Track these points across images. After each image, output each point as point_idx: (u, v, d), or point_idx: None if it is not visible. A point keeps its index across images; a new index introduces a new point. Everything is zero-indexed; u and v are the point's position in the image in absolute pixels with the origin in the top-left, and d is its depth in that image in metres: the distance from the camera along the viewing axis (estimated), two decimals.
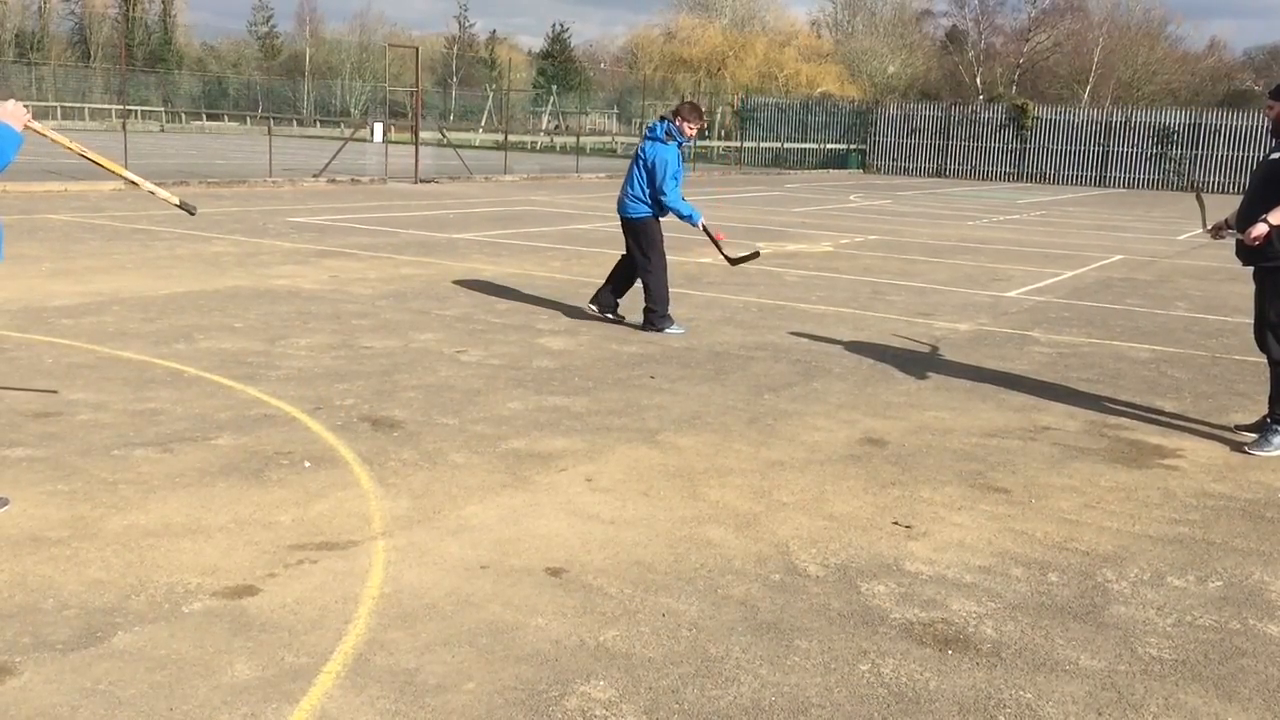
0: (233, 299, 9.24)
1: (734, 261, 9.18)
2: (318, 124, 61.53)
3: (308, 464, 5.04)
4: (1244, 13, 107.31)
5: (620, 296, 9.00)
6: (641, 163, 8.69)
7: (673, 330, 8.61)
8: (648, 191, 8.67)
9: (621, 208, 8.85)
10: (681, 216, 8.77)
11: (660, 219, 8.79)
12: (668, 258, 8.98)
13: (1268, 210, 5.71)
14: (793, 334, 8.76)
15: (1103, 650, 3.55)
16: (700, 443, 5.68)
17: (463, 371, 7.02)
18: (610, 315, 8.94)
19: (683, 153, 8.88)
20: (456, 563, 4.01)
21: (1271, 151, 5.96)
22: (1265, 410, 6.10)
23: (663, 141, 8.62)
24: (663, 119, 8.87)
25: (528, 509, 4.60)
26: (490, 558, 4.07)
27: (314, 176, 24.16)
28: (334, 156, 26.28)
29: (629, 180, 8.78)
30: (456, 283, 10.65)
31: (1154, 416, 6.61)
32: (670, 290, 8.89)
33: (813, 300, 10.55)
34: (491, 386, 6.65)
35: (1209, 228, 6.39)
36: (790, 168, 44.50)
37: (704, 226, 8.95)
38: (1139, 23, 67.40)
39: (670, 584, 3.91)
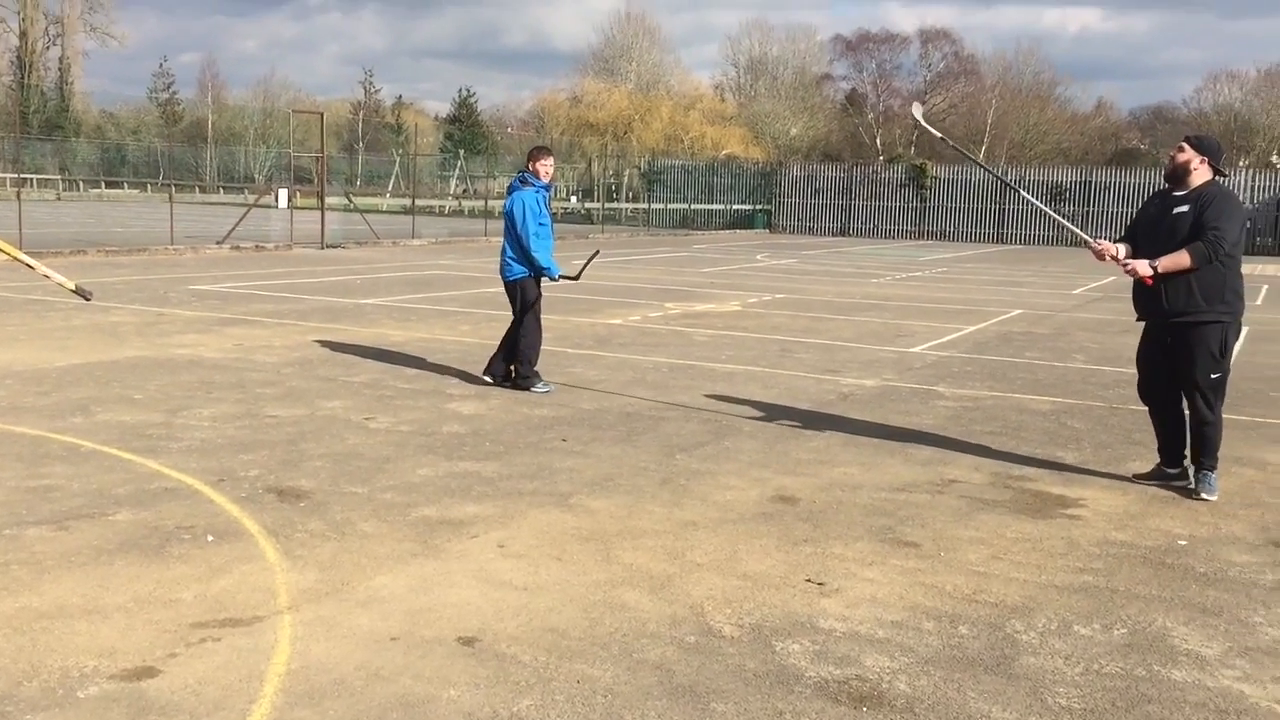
0: (132, 370, 9.00)
1: (577, 276, 9.14)
2: (221, 190, 60.67)
3: (210, 538, 4.89)
4: (1128, 75, 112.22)
5: (512, 363, 8.94)
6: (508, 219, 8.75)
7: (540, 389, 8.61)
8: (520, 250, 8.70)
9: (500, 271, 8.89)
10: (539, 267, 8.68)
11: (539, 279, 8.78)
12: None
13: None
14: (703, 393, 8.81)
15: (1014, 702, 3.59)
16: (613, 505, 5.66)
17: (371, 439, 6.91)
18: (506, 383, 8.88)
19: (547, 197, 8.85)
20: (366, 635, 3.92)
21: (1175, 205, 6.03)
22: (1165, 457, 6.32)
23: (519, 189, 8.69)
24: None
25: (439, 578, 4.52)
26: (401, 629, 3.99)
27: (217, 243, 23.78)
28: (238, 223, 25.92)
29: (504, 243, 8.82)
30: (364, 349, 10.53)
31: (1056, 467, 6.76)
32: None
33: (722, 359, 10.64)
34: (401, 453, 6.56)
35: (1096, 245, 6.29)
36: (698, 228, 45.07)
37: (563, 276, 8.86)
38: (1029, 85, 70.08)
39: (585, 650, 3.87)
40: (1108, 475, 6.56)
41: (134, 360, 9.46)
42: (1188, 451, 6.25)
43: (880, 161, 53.85)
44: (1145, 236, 6.15)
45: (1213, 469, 6.14)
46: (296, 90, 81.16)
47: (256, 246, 24.17)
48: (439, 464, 6.34)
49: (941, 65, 72.28)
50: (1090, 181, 42.66)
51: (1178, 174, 6.11)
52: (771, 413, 8.14)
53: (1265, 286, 22.99)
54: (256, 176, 63.00)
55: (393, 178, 57.49)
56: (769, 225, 47.14)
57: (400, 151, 59.07)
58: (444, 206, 52.72)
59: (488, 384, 8.81)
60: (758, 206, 47.85)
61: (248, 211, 28.54)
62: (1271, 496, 6.21)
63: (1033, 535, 5.38)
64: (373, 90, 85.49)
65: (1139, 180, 42.03)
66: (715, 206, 48.03)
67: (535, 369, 8.79)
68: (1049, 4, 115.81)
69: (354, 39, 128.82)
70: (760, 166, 50.61)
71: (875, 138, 69.92)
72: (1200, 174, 6.05)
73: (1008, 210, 43.54)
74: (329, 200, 28.53)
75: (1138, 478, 6.45)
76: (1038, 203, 7.20)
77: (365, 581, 4.44)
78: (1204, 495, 6.07)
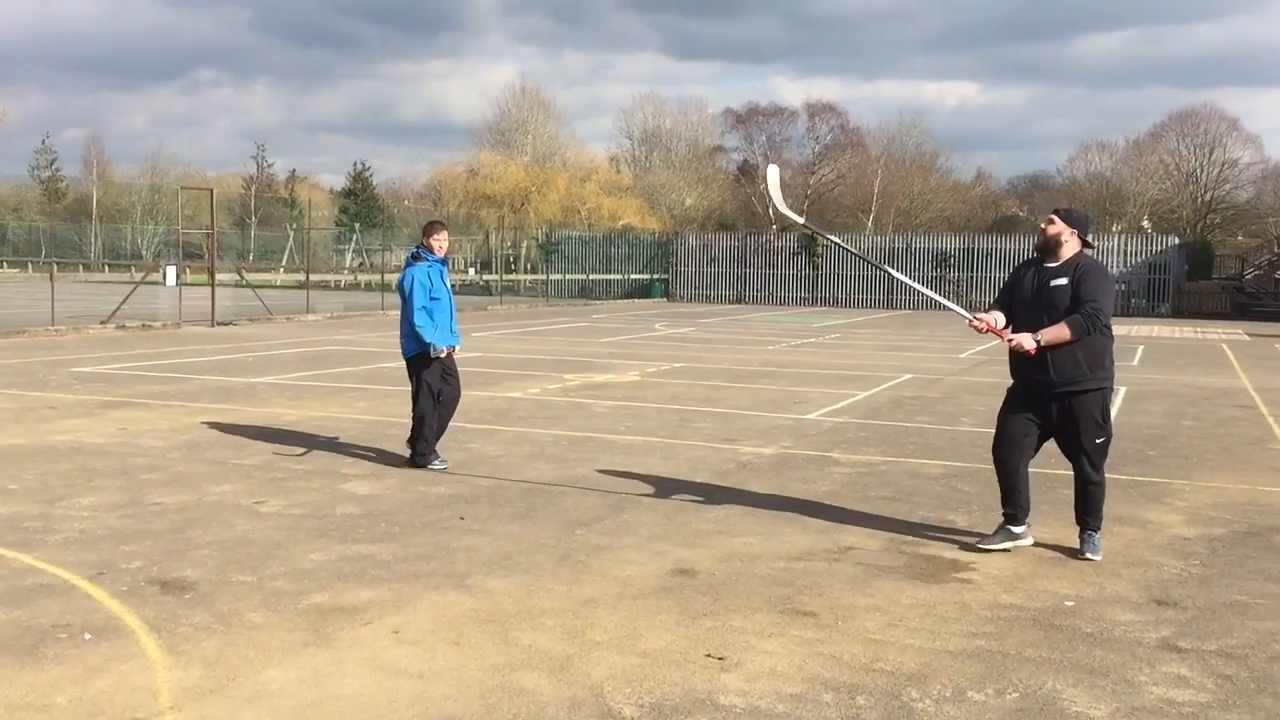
0: (7, 459, 8.65)
1: (438, 353, 9.06)
2: (106, 268, 59.12)
3: (88, 636, 4.69)
4: (1005, 145, 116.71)
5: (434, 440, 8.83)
6: (400, 295, 8.72)
7: (436, 465, 8.52)
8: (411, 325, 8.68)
9: (401, 348, 8.82)
10: (422, 341, 8.60)
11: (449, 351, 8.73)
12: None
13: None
14: (603, 466, 8.80)
15: None
16: (511, 584, 5.58)
17: (262, 524, 6.73)
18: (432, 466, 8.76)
19: (443, 271, 8.80)
20: None
21: (1051, 277, 6.17)
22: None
23: (412, 264, 8.68)
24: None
25: (331, 668, 4.40)
26: None
27: (102, 323, 23.13)
28: (123, 301, 25.27)
29: (401, 319, 8.78)
30: (255, 429, 10.29)
31: (948, 531, 6.88)
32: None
33: (621, 431, 10.65)
34: (292, 538, 6.40)
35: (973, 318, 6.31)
36: (597, 298, 45.31)
37: (433, 347, 8.68)
38: (912, 156, 72.42)
39: None
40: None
41: (9, 449, 9.10)
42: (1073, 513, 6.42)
43: (773, 230, 54.90)
44: (1021, 307, 6.27)
45: (1097, 529, 6.32)
46: (186, 165, 79.98)
47: (143, 325, 23.57)
48: (332, 548, 6.20)
49: (829, 137, 74.19)
50: (973, 248, 44.11)
51: (1049, 246, 6.26)
52: (671, 484, 8.15)
53: (1141, 347, 23.91)
54: (144, 253, 61.64)
55: (287, 252, 56.81)
56: (667, 294, 47.62)
57: (294, 225, 58.45)
58: (340, 281, 52.17)
59: (437, 468, 8.62)
60: (655, 276, 48.35)
61: (134, 289, 27.85)
62: (1153, 555, 6.40)
63: (927, 600, 5.46)
64: (265, 164, 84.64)
65: (1019, 246, 43.55)
66: (613, 276, 48.40)
67: (433, 446, 8.70)
68: (928, 79, 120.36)
69: (246, 113, 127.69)
70: (657, 236, 51.26)
71: (768, 207, 71.28)
72: (1070, 246, 6.25)
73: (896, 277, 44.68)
74: (220, 276, 28.01)
75: (982, 545, 6.38)
76: (909, 281, 7.31)
77: (253, 676, 4.30)
78: (1089, 555, 6.23)
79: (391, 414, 11.34)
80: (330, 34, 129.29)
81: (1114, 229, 56.39)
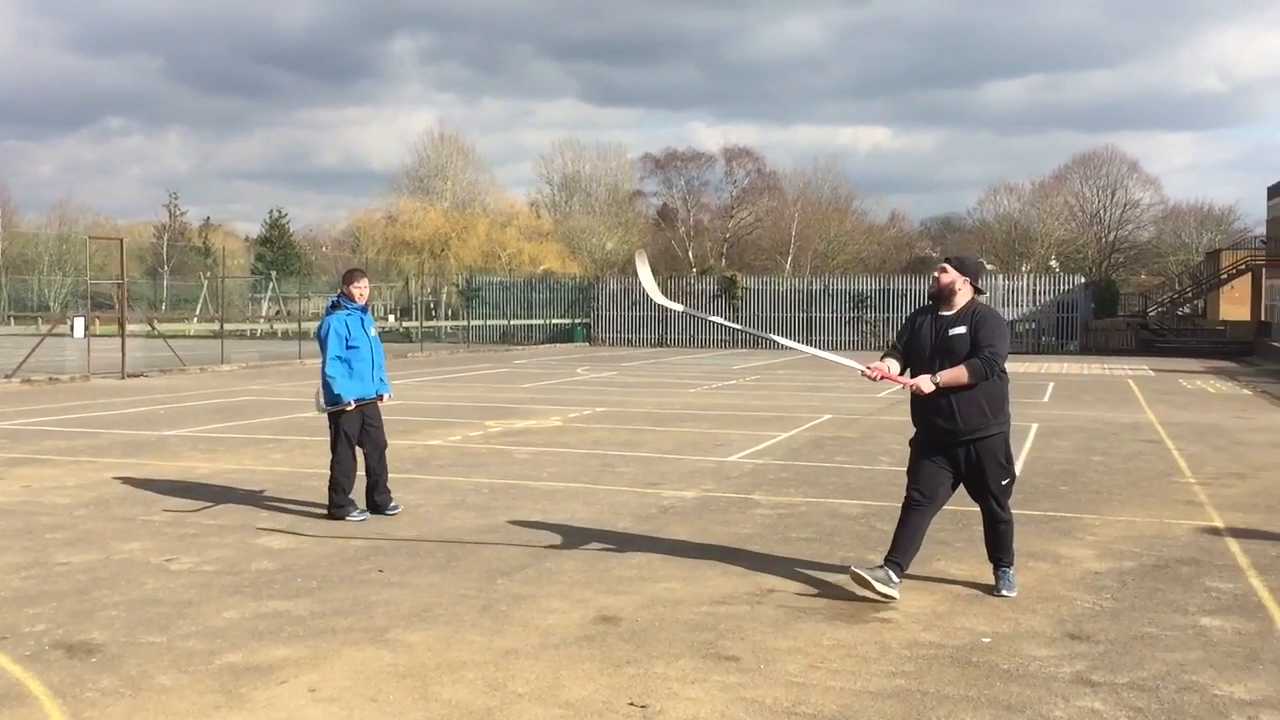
0: None
1: (324, 409, 8.93)
2: (12, 321, 57.45)
3: None
4: (917, 188, 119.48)
5: (379, 490, 8.72)
6: (319, 345, 8.65)
7: (353, 517, 8.42)
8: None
9: (322, 397, 8.72)
10: (329, 391, 8.54)
11: (361, 403, 8.63)
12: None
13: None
14: (525, 514, 8.74)
15: None
16: (431, 637, 5.51)
17: (172, 582, 6.56)
18: (385, 511, 8.63)
19: (363, 319, 8.72)
20: None
21: (949, 325, 6.22)
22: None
23: (331, 312, 8.62)
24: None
25: None
26: None
27: (6, 377, 22.45)
28: (29, 354, 24.56)
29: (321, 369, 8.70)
30: (167, 484, 10.05)
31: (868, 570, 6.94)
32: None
33: (543, 477, 10.60)
34: (205, 596, 6.24)
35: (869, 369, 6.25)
36: (518, 343, 45.19)
37: (339, 398, 8.56)
38: (828, 199, 73.78)
39: None
40: (915, 576, 6.76)
41: None
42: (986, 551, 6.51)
43: (694, 273, 55.42)
44: (920, 356, 6.29)
45: (1010, 564, 6.44)
46: (96, 214, 78.32)
47: (50, 379, 22.93)
48: (246, 605, 6.06)
49: (746, 181, 75.34)
50: (889, 289, 44.94)
51: (944, 295, 6.31)
52: (593, 530, 8.13)
53: (1051, 384, 24.49)
54: (52, 305, 60.07)
55: (201, 301, 55.81)
56: (589, 338, 47.67)
57: (208, 274, 57.47)
58: (256, 329, 51.33)
59: (356, 519, 8.46)
60: (577, 320, 48.41)
61: (40, 341, 27.08)
62: (1066, 589, 6.53)
63: (848, 641, 5.50)
64: (178, 213, 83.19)
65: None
66: (535, 321, 48.35)
67: (350, 497, 8.58)
68: (842, 124, 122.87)
69: (158, 161, 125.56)
70: (578, 281, 51.37)
71: (688, 250, 72.00)
72: (964, 294, 6.34)
73: (815, 318, 45.31)
74: (131, 327, 27.41)
75: (855, 568, 6.30)
76: (795, 345, 7.25)
77: None
78: (1004, 592, 6.33)
79: (309, 465, 11.15)
80: (244, 82, 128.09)
81: (1023, 269, 57.85)
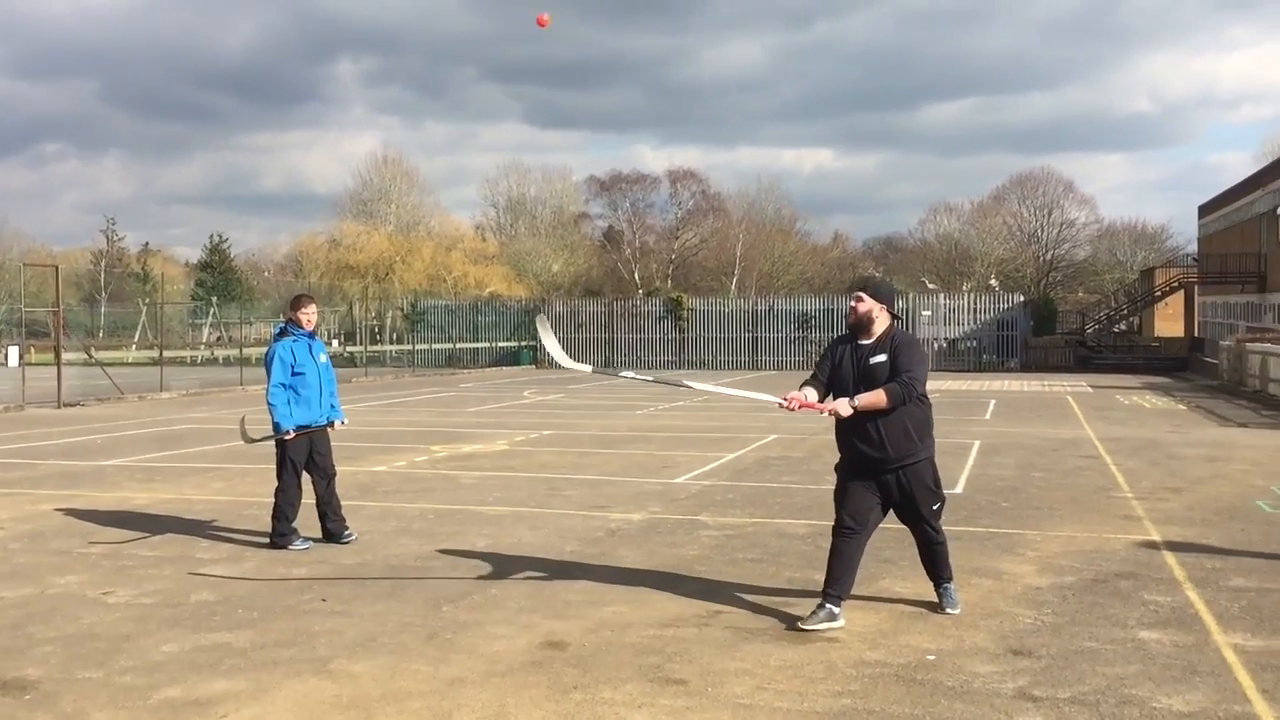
0: None
1: (249, 440, 8.89)
2: None
3: None
4: (859, 209, 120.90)
5: (330, 519, 8.60)
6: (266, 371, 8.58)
7: (297, 546, 8.32)
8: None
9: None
10: (272, 416, 8.46)
11: (305, 431, 8.53)
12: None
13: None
14: (471, 539, 8.68)
15: None
16: (375, 667, 5.45)
17: (109, 615, 6.43)
18: (341, 539, 8.52)
19: (310, 345, 8.64)
20: None
21: (869, 354, 6.15)
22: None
23: (278, 339, 8.55)
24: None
25: None
26: None
27: None
28: None
29: None
30: (104, 515, 9.86)
31: (814, 590, 6.97)
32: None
33: (490, 502, 10.54)
34: (143, 629, 6.13)
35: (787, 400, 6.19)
36: (464, 367, 44.95)
37: (277, 427, 8.47)
38: (772, 220, 74.32)
39: None
40: (861, 595, 6.80)
41: None
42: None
43: (639, 295, 55.55)
44: (843, 387, 6.19)
45: (950, 579, 6.50)
46: (31, 240, 76.84)
47: None
48: (186, 638, 5.96)
49: (691, 203, 75.77)
50: (833, 309, 45.29)
51: (862, 324, 6.24)
52: (540, 555, 8.09)
53: (993, 401, 24.83)
54: None
55: (139, 328, 54.90)
56: (535, 361, 47.54)
57: (147, 300, 56.58)
58: (196, 356, 50.60)
59: (299, 549, 8.33)
60: (523, 343, 48.27)
61: None
62: (1008, 605, 6.61)
63: (795, 661, 5.52)
64: (116, 238, 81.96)
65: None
66: (480, 344, 48.15)
67: (293, 525, 8.47)
68: (785, 146, 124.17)
69: (95, 186, 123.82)
70: (524, 303, 51.27)
71: (634, 272, 72.18)
72: (882, 320, 6.26)
73: (761, 339, 45.58)
74: (67, 355, 26.91)
75: (802, 625, 6.08)
76: (709, 388, 7.14)
77: None
78: (948, 610, 6.40)
79: (250, 494, 11.00)
80: (184, 106, 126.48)
81: (964, 288, 58.64)
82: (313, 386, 8.55)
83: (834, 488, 6.48)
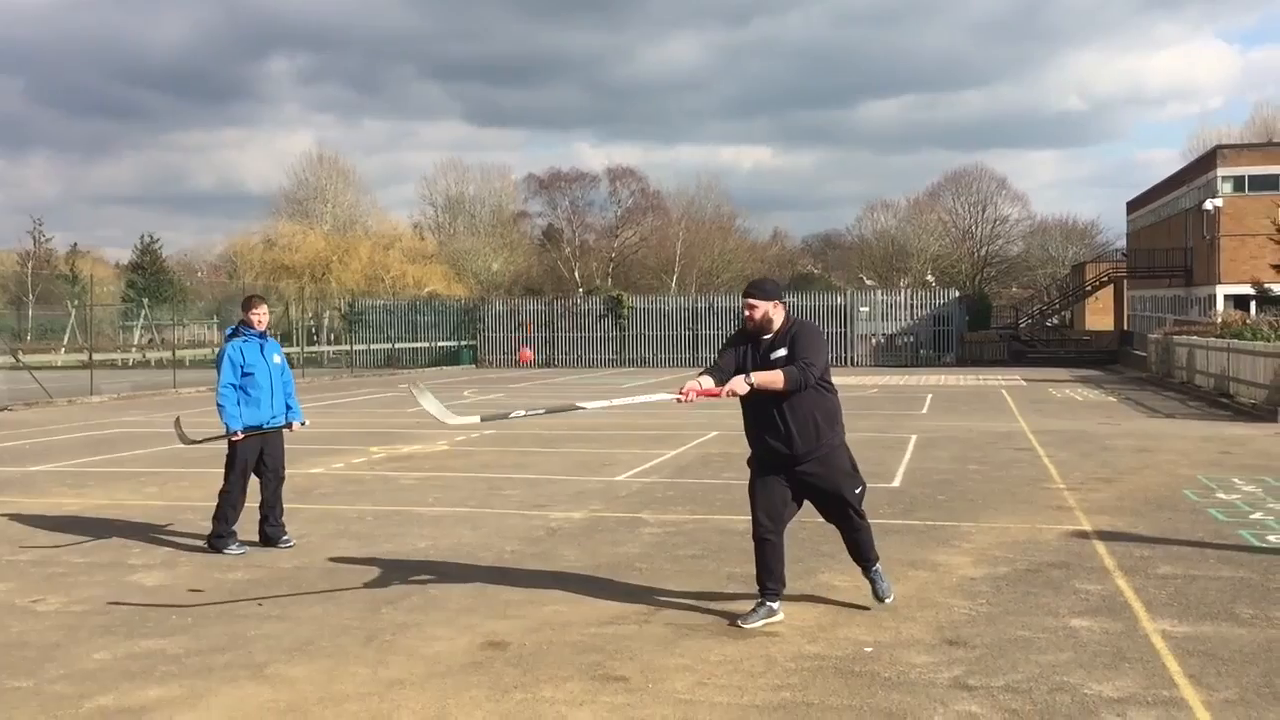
0: None
1: (188, 441, 8.82)
2: None
3: None
4: (799, 206, 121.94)
5: (270, 522, 8.49)
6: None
7: (232, 550, 8.21)
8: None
9: None
10: (221, 417, 8.37)
11: (254, 432, 8.42)
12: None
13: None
14: (410, 540, 8.63)
15: None
16: (313, 671, 5.39)
17: (39, 624, 6.30)
18: (278, 544, 8.39)
19: (262, 345, 8.52)
20: None
21: (770, 349, 6.09)
22: (850, 567, 6.63)
23: (229, 339, 8.48)
24: None
25: None
26: None
27: None
28: None
29: None
30: (33, 521, 9.65)
31: (754, 586, 7.01)
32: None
33: (429, 502, 10.47)
34: (74, 638, 6.01)
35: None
36: (403, 367, 44.57)
37: (225, 427, 8.38)
38: (711, 218, 74.63)
39: None
40: (799, 590, 6.86)
41: None
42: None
43: (580, 293, 55.48)
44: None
45: (877, 560, 6.43)
46: None
47: None
48: (118, 645, 5.85)
49: (630, 201, 75.83)
50: None
51: (763, 326, 6.17)
52: (480, 555, 8.06)
53: (930, 395, 25.15)
54: None
55: (68, 330, 53.71)
56: (475, 360, 47.32)
57: (76, 303, 55.40)
58: (128, 359, 49.63)
59: (234, 553, 8.21)
60: (463, 342, 48.01)
61: None
62: (943, 596, 6.71)
63: (734, 656, 5.55)
64: (43, 239, 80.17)
65: (816, 303, 45.38)
66: (420, 344, 47.79)
67: (233, 529, 8.34)
68: (724, 143, 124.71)
69: (21, 186, 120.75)
70: (463, 302, 51.00)
71: (574, 270, 72.08)
72: (778, 316, 6.19)
73: (701, 336, 45.75)
74: None
75: (742, 623, 6.09)
76: (600, 404, 7.02)
77: None
78: (883, 596, 6.38)
79: (185, 498, 10.83)
80: (113, 103, 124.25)
81: (901, 284, 59.32)
82: (263, 388, 8.44)
83: (749, 482, 6.38)
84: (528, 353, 9.05)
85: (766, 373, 6.00)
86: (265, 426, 8.48)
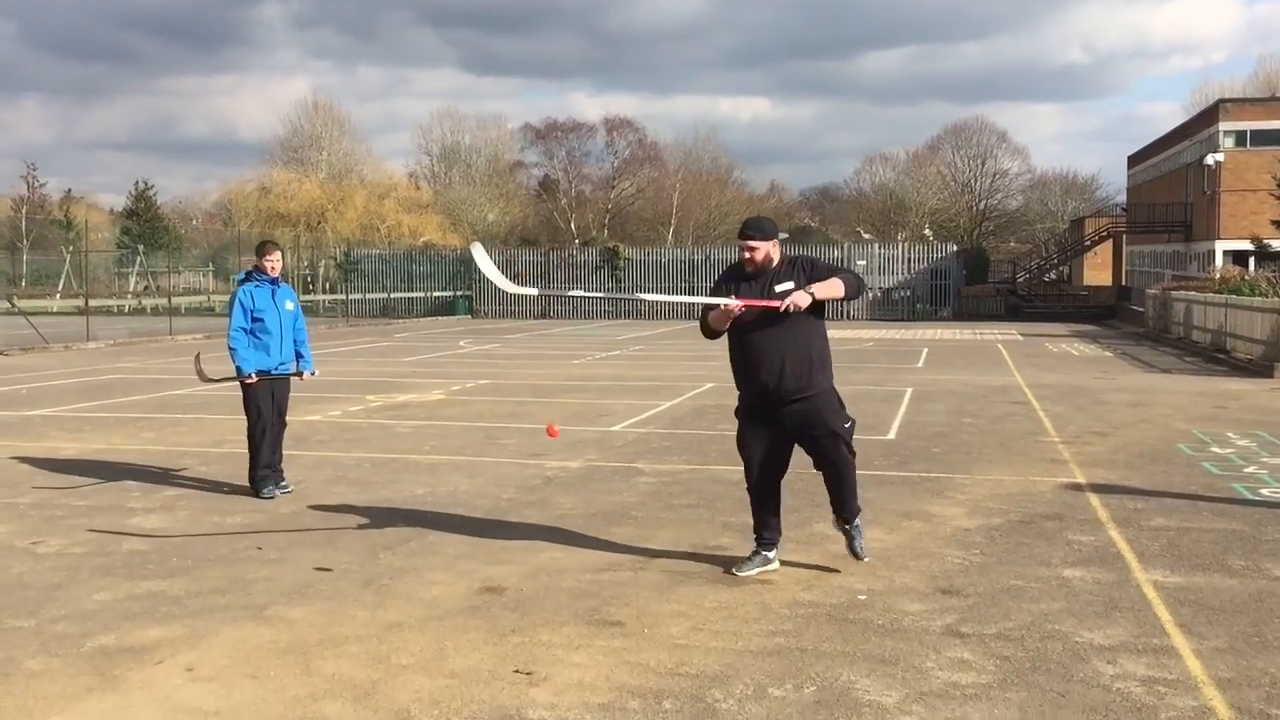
0: None
1: (206, 379, 8.85)
2: None
3: None
4: (797, 158, 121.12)
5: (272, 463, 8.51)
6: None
7: (267, 493, 8.25)
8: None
9: None
10: (233, 360, 8.37)
11: (265, 376, 8.42)
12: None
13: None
14: (407, 487, 8.67)
15: None
16: (313, 613, 5.44)
17: (39, 565, 6.34)
18: (278, 490, 8.40)
19: (275, 291, 8.50)
20: None
21: (776, 282, 5.91)
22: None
23: (241, 284, 8.47)
24: None
25: (119, 713, 4.19)
26: None
27: None
28: None
29: None
30: (31, 464, 9.68)
31: (748, 535, 7.06)
32: (284, 453, 8.62)
33: (426, 450, 10.51)
34: (74, 579, 6.05)
35: None
36: (399, 317, 44.52)
37: (238, 370, 8.39)
38: (709, 169, 74.19)
39: None
40: (795, 540, 6.91)
41: None
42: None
43: (576, 244, 55.32)
44: (754, 321, 5.94)
45: (858, 512, 6.22)
46: None
47: None
48: (118, 586, 5.90)
49: (627, 152, 75.29)
50: None
51: (764, 266, 6.00)
52: (477, 502, 8.10)
53: (925, 349, 25.18)
54: None
55: (63, 276, 53.52)
56: (471, 310, 47.24)
57: (71, 249, 55.14)
58: (123, 305, 49.54)
59: (268, 497, 8.23)
60: (459, 292, 47.90)
61: None
62: (937, 546, 6.76)
63: (729, 603, 5.61)
64: (37, 185, 79.60)
65: (811, 254, 45.22)
66: (415, 294, 47.68)
67: (270, 469, 8.36)
68: (722, 94, 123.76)
69: (13, 130, 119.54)
70: (459, 253, 50.78)
71: (570, 221, 71.78)
72: (777, 253, 6.04)
73: (698, 288, 45.66)
74: None
75: (737, 571, 6.12)
76: (662, 298, 7.19)
77: None
78: (859, 554, 6.17)
79: (182, 443, 10.86)
80: (106, 47, 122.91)
81: (899, 237, 59.14)
82: (272, 333, 8.44)
83: (735, 434, 6.27)
84: (555, 429, 9.18)
85: (825, 283, 5.85)
86: (274, 372, 8.49)
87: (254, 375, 8.33)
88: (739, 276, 6.11)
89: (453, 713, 4.19)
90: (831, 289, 5.90)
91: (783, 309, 5.81)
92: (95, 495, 8.38)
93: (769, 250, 6.01)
